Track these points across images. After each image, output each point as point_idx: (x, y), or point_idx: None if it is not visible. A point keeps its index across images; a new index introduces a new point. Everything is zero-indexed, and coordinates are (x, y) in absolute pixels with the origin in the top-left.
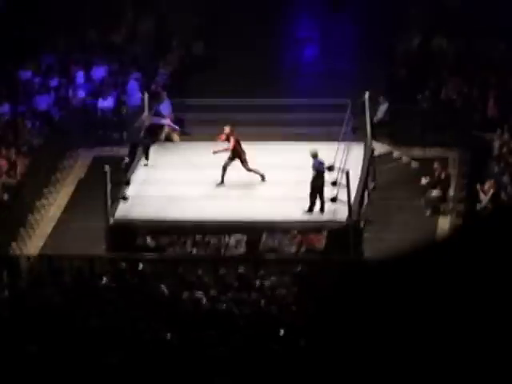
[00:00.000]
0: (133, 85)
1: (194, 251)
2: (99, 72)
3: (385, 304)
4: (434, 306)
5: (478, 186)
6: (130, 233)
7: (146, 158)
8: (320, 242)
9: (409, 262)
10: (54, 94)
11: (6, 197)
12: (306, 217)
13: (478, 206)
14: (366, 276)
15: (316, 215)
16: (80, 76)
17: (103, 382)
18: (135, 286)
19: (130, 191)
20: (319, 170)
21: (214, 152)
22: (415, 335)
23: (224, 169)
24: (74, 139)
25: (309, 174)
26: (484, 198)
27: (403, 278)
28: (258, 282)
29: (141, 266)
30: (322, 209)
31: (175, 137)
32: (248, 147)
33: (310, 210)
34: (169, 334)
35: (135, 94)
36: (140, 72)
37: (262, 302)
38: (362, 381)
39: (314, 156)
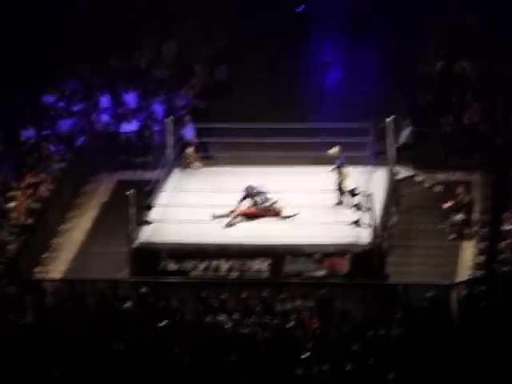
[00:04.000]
0: (157, 109)
1: (218, 275)
2: (123, 97)
3: None
4: None
5: (504, 212)
6: (153, 257)
7: None
8: (343, 265)
9: None
10: (78, 119)
11: (30, 221)
12: (330, 240)
13: (502, 228)
14: None
15: (339, 238)
16: (104, 100)
17: None
18: (159, 309)
19: (153, 215)
20: (342, 165)
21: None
22: None
23: None
24: (98, 163)
25: (331, 197)
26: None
27: None
28: (280, 306)
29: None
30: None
31: (197, 164)
32: (271, 171)
33: (340, 203)
34: (189, 358)
35: (159, 118)
36: (164, 96)
37: (286, 325)
38: None
39: (338, 154)
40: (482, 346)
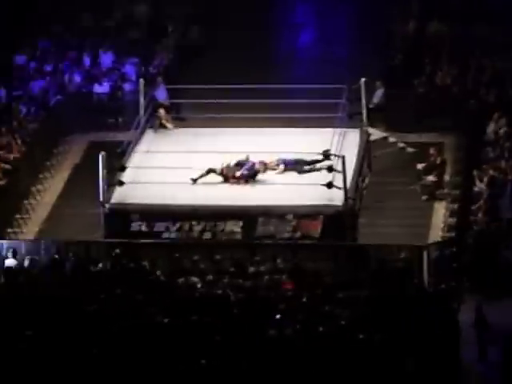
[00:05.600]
0: (129, 70)
1: (190, 236)
2: (99, 56)
3: None
4: None
5: (475, 172)
6: (126, 218)
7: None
8: (316, 227)
9: None
10: (49, 79)
11: (1, 182)
12: (302, 202)
13: (474, 190)
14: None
15: (311, 200)
16: (76, 60)
17: (99, 367)
18: (131, 270)
19: (125, 177)
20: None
21: None
22: None
23: None
24: (70, 124)
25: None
26: (480, 184)
27: None
28: (253, 268)
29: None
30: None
31: (169, 125)
32: (244, 132)
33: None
34: (165, 319)
35: (131, 78)
36: (136, 57)
37: (258, 287)
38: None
39: None
40: (453, 306)
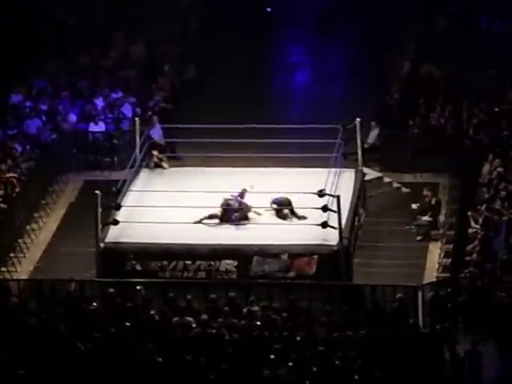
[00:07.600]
0: (126, 109)
1: (184, 276)
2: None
3: None
4: None
5: (470, 213)
6: (121, 257)
7: None
8: (311, 266)
9: None
10: (45, 118)
11: None
12: (297, 241)
13: (469, 231)
14: None
15: (306, 239)
16: (72, 100)
17: None
18: (125, 310)
19: (120, 216)
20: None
21: None
22: None
23: None
24: (65, 163)
25: (298, 198)
26: (474, 225)
27: None
28: (248, 307)
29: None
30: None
31: (165, 165)
32: (238, 171)
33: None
34: (159, 358)
35: (127, 118)
36: (134, 97)
37: (253, 326)
38: None
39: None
40: (447, 346)
